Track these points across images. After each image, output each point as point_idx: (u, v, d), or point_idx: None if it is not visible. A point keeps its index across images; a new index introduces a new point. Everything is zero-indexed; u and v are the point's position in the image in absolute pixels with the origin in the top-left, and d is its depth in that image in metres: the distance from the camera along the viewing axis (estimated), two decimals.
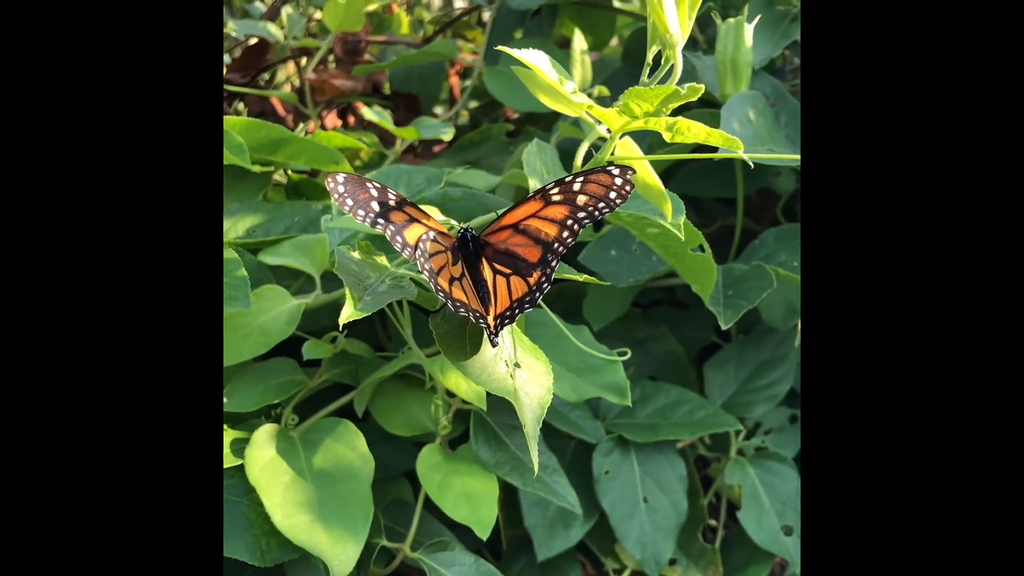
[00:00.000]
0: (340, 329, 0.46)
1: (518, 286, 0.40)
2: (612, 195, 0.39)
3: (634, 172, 0.38)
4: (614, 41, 0.94)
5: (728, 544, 0.64)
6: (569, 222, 0.39)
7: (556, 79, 0.41)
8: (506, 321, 0.39)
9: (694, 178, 0.70)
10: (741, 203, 0.65)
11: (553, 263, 0.40)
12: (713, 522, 0.66)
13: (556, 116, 0.83)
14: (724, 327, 0.54)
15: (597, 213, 0.39)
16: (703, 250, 0.53)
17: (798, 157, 0.50)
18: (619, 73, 0.78)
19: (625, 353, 0.50)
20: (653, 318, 0.71)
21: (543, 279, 0.40)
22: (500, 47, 0.40)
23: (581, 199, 0.39)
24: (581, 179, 0.39)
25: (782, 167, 0.68)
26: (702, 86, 0.37)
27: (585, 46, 0.69)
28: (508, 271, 0.40)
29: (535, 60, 0.40)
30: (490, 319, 0.39)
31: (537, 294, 0.39)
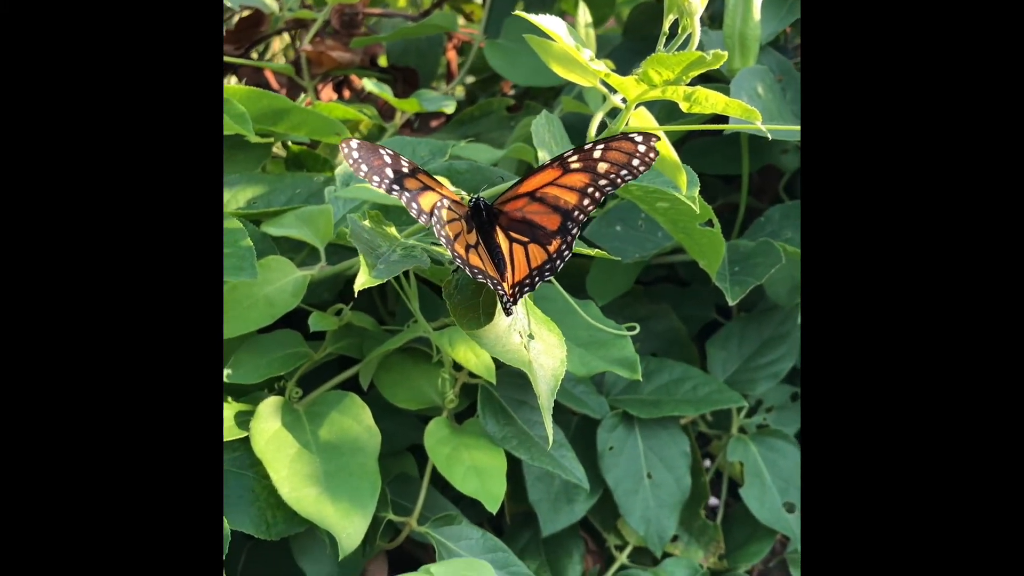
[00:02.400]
0: (352, 297, 0.45)
1: (537, 254, 0.39)
2: (635, 162, 0.38)
3: (658, 139, 0.38)
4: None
5: (729, 521, 0.64)
6: (590, 190, 0.39)
7: (574, 46, 0.40)
8: (525, 289, 0.39)
9: (698, 154, 0.69)
10: (746, 179, 0.65)
11: (574, 231, 0.39)
12: (714, 499, 0.66)
13: (555, 91, 0.82)
14: (731, 303, 0.53)
15: (620, 181, 0.39)
16: (712, 225, 0.52)
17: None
18: (621, 49, 0.77)
19: (634, 328, 0.50)
20: (654, 295, 0.70)
21: (563, 247, 0.39)
22: (518, 12, 0.39)
23: (602, 167, 0.38)
24: (602, 147, 0.39)
25: (788, 144, 0.68)
26: (725, 53, 0.37)
27: (590, 19, 0.68)
28: (526, 239, 0.39)
29: (552, 26, 0.40)
30: (506, 287, 0.39)
31: (558, 261, 0.39)
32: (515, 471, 0.57)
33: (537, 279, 0.39)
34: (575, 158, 0.39)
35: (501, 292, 0.38)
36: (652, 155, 0.38)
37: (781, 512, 0.60)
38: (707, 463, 0.68)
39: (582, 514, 0.56)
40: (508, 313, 0.39)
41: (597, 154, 0.39)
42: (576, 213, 0.39)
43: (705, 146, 0.70)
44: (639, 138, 0.38)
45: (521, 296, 0.39)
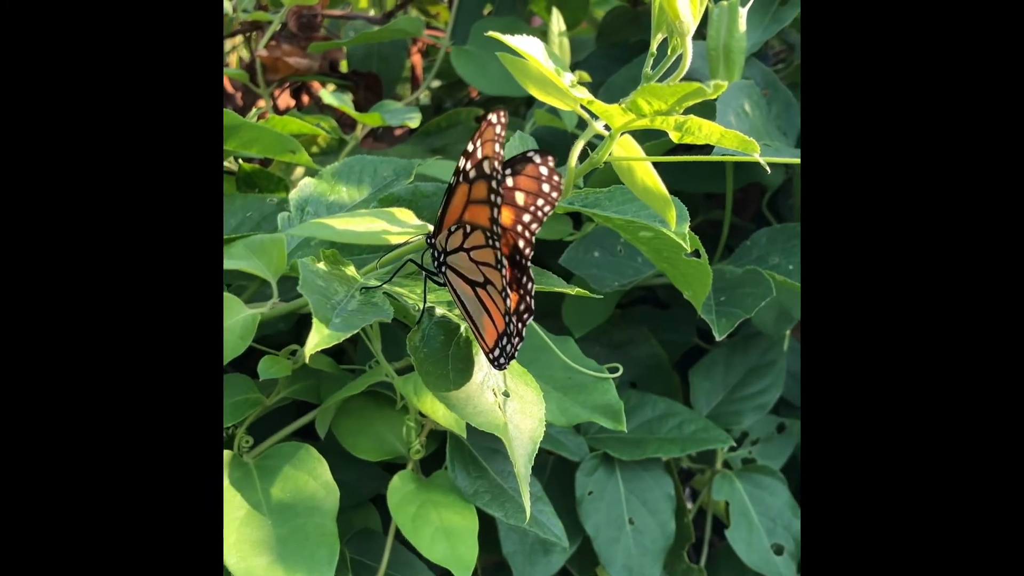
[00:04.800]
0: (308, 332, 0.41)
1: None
2: (546, 188, 0.34)
3: (555, 157, 0.34)
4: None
5: (714, 562, 0.61)
6: (519, 228, 0.35)
7: (553, 70, 0.36)
8: (516, 340, 0.35)
9: (679, 171, 0.65)
10: (730, 200, 0.61)
11: (527, 281, 0.35)
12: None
13: (527, 99, 0.78)
14: (718, 338, 0.50)
15: (541, 215, 0.34)
16: (699, 256, 0.49)
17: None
18: (596, 55, 0.73)
19: (617, 369, 0.46)
20: (632, 319, 0.66)
21: (525, 279, 0.35)
22: (492, 33, 0.35)
23: (519, 197, 0.34)
24: (509, 171, 0.34)
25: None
26: (725, 83, 0.33)
27: (563, 27, 0.64)
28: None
29: (530, 49, 0.35)
30: (489, 343, 0.34)
31: (529, 298, 0.35)
32: (486, 518, 0.53)
33: (520, 324, 0.35)
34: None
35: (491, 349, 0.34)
36: (557, 178, 0.34)
37: (769, 555, 0.57)
38: (688, 495, 0.64)
39: (559, 565, 0.52)
40: (501, 368, 0.35)
41: (509, 182, 0.34)
42: (519, 258, 0.35)
43: (686, 162, 0.66)
44: (537, 158, 0.34)
45: (516, 348, 0.35)
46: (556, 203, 0.35)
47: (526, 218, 0.34)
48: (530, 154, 0.34)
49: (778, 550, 0.57)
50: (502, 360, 0.35)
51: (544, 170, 0.34)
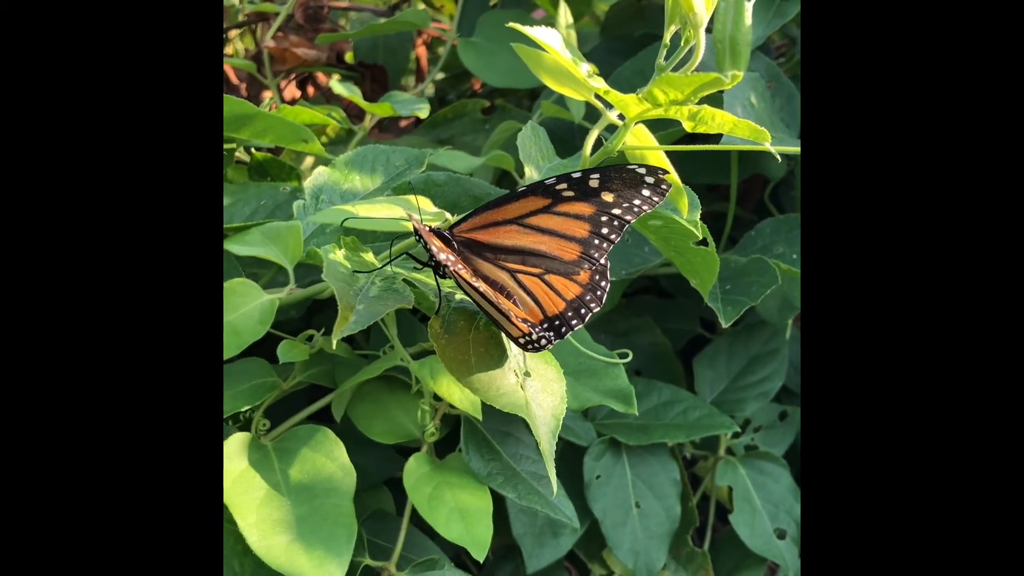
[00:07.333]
0: (323, 318, 0.42)
1: (566, 284, 0.36)
2: (647, 192, 0.36)
3: (666, 173, 0.35)
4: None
5: (717, 547, 0.62)
6: (604, 218, 0.36)
7: (571, 59, 0.37)
8: (573, 323, 0.36)
9: (683, 163, 0.66)
10: (735, 190, 0.62)
11: (602, 260, 0.36)
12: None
13: (531, 91, 0.79)
14: (724, 325, 0.51)
15: (637, 210, 0.36)
16: (706, 244, 0.50)
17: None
18: (600, 48, 0.74)
19: (627, 355, 0.47)
20: (636, 308, 0.67)
21: (597, 276, 0.36)
22: (513, 24, 0.36)
23: (608, 196, 0.36)
24: (598, 176, 0.36)
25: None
26: (740, 73, 0.34)
27: (571, 19, 0.65)
28: (538, 269, 0.36)
29: (549, 39, 0.36)
30: (522, 326, 0.35)
31: (598, 292, 0.36)
32: (497, 501, 0.54)
33: (583, 312, 0.36)
34: (565, 186, 0.36)
35: (525, 334, 0.35)
36: (665, 187, 0.35)
37: (772, 539, 0.58)
38: (690, 481, 0.65)
39: (568, 547, 0.53)
40: (538, 349, 0.36)
41: (595, 184, 0.36)
42: (597, 242, 0.36)
43: (690, 153, 0.67)
44: (642, 170, 0.35)
45: (563, 335, 0.36)
46: (654, 206, 0.36)
47: (616, 211, 0.36)
48: (634, 166, 0.36)
49: (780, 534, 0.58)
50: (542, 343, 0.36)
51: (651, 179, 0.36)
